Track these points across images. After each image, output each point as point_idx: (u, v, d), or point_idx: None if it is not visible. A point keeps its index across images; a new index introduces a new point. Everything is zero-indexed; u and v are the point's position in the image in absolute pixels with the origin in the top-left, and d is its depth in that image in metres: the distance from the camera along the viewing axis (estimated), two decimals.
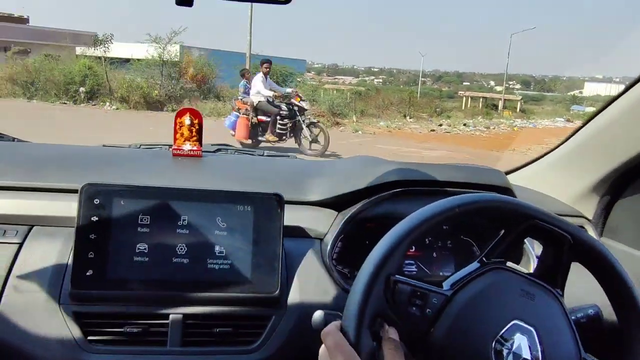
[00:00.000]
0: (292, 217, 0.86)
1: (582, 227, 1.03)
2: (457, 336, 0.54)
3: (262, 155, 1.31)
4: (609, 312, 0.62)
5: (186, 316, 0.75)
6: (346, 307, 0.53)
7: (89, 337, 0.72)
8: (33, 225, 0.80)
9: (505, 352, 0.54)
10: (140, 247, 0.76)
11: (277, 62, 18.10)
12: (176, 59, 14.71)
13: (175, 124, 1.04)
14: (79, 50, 18.32)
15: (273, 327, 0.78)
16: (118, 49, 17.19)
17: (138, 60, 15.10)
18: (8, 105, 11.60)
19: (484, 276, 0.59)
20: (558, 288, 0.60)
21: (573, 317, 0.61)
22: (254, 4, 0.69)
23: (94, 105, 13.91)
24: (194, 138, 1.06)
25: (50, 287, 0.75)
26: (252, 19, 15.45)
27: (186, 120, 1.08)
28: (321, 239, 0.89)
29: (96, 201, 0.75)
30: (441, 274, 0.97)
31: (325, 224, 0.91)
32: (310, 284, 0.83)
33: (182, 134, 1.07)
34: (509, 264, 0.61)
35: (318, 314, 0.62)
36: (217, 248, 0.78)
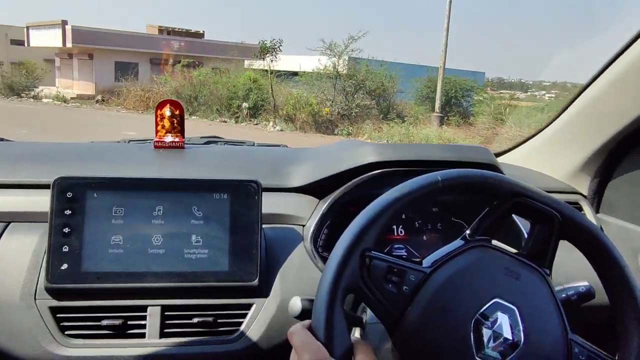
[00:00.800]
0: (273, 204, 0.90)
1: (577, 203, 1.08)
2: (434, 314, 0.55)
3: (252, 145, 1.31)
4: (601, 289, 0.63)
5: (164, 307, 0.79)
6: (318, 286, 0.54)
7: (66, 332, 0.76)
8: (10, 222, 0.84)
9: (484, 330, 0.55)
10: (115, 239, 0.79)
11: (453, 74, 17.02)
12: (345, 71, 13.63)
13: (157, 116, 1.08)
14: (247, 63, 19.04)
15: (254, 316, 0.81)
16: (286, 62, 17.15)
17: (307, 73, 14.65)
18: None
19: (466, 253, 0.60)
20: (545, 267, 0.62)
21: (563, 295, 0.64)
22: None
23: (256, 124, 13.36)
24: (176, 130, 1.10)
25: (26, 282, 0.78)
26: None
27: (167, 111, 1.10)
28: (303, 226, 0.90)
29: (69, 194, 0.79)
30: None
31: (307, 211, 0.93)
32: (292, 271, 0.84)
33: (163, 126, 1.10)
34: (495, 242, 0.63)
35: (294, 300, 0.63)
36: (193, 238, 0.81)
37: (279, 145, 1.36)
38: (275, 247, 0.88)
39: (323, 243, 0.95)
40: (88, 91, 22.48)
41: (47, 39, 23.35)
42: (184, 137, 1.11)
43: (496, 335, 0.55)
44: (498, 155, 1.37)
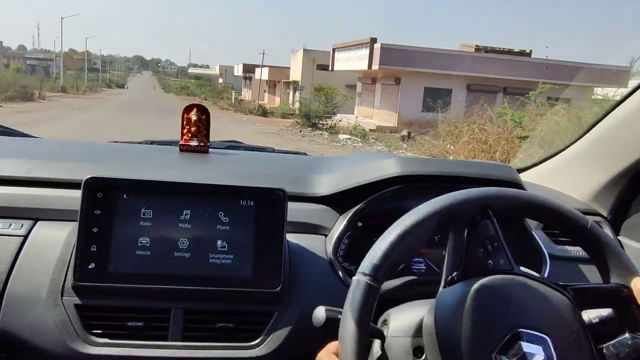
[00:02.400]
0: (296, 213, 0.97)
1: (597, 224, 1.05)
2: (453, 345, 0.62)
3: (272, 152, 1.39)
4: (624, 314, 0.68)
5: (187, 311, 0.88)
6: (344, 314, 0.63)
7: (91, 330, 0.85)
8: (38, 219, 0.94)
9: None
10: (143, 241, 0.87)
11: None
12: None
13: (183, 119, 1.17)
14: (600, 92, 12.41)
15: (275, 324, 0.89)
16: None
17: None
18: None
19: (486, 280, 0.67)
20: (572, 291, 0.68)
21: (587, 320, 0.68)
22: None
23: None
24: (202, 134, 1.18)
25: (53, 279, 0.87)
26: None
27: (193, 116, 1.17)
28: (326, 235, 0.97)
29: (99, 195, 0.87)
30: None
31: (330, 220, 1.00)
32: (314, 280, 0.92)
33: (189, 130, 1.18)
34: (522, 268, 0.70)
35: (319, 310, 0.70)
36: (219, 243, 0.90)
37: (299, 153, 1.43)
38: (298, 256, 0.96)
39: (343, 253, 1.01)
40: (389, 122, 21.06)
41: (351, 62, 23.03)
42: (209, 141, 1.20)
43: None
44: (519, 171, 1.38)
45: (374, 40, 18.85)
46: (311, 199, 1.06)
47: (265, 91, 44.45)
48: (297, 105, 31.36)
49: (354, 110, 22.97)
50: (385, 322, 0.73)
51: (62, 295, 0.85)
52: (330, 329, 0.65)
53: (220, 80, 64.21)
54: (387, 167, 1.04)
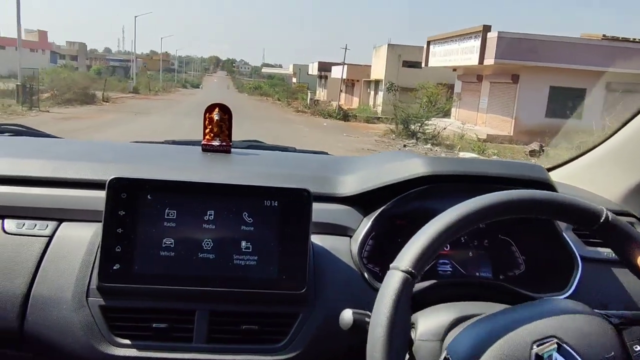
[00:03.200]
0: (320, 213, 1.00)
1: (631, 224, 1.09)
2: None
3: (294, 151, 1.41)
4: None
5: (212, 312, 0.91)
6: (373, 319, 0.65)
7: (115, 332, 0.88)
8: (63, 220, 0.98)
9: None
10: (167, 242, 0.90)
11: None
12: None
13: (205, 119, 1.19)
14: None
15: (300, 326, 0.91)
16: None
17: None
18: None
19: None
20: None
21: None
22: None
23: None
24: (224, 134, 1.20)
25: (78, 280, 0.90)
26: None
27: (215, 116, 1.18)
28: (350, 237, 1.00)
29: (123, 195, 0.90)
30: (477, 274, 1.09)
31: (354, 221, 1.02)
32: (339, 282, 0.94)
33: (211, 130, 1.19)
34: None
35: (346, 313, 0.73)
36: (243, 244, 0.92)
37: (320, 152, 1.45)
38: (323, 257, 0.98)
39: (367, 254, 1.03)
40: (503, 130, 17.31)
41: (453, 56, 19.16)
42: (231, 141, 1.23)
43: None
44: (550, 169, 1.49)
45: (487, 29, 16.10)
46: (335, 199, 1.08)
47: (341, 91, 41.71)
48: (378, 108, 27.95)
49: (452, 114, 19.45)
50: (413, 325, 0.75)
51: (87, 297, 0.89)
52: (357, 332, 0.67)
53: (294, 80, 62.81)
54: (414, 167, 1.06)
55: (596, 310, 0.71)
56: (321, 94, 47.94)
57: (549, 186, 1.05)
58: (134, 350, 0.86)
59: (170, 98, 35.49)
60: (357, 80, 36.49)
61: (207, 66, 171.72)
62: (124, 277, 0.88)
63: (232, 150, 1.26)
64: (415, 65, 27.19)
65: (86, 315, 0.87)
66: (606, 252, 0.95)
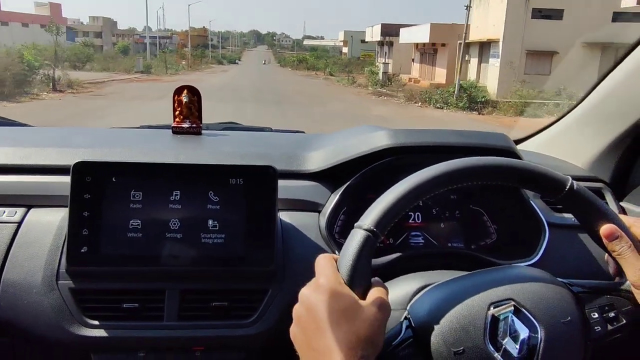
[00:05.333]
0: (288, 190, 1.01)
1: (599, 190, 1.18)
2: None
3: (269, 131, 1.42)
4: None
5: (182, 291, 0.92)
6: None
7: (87, 313, 0.90)
8: (32, 206, 0.99)
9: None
10: (134, 223, 0.91)
11: None
12: None
13: (174, 101, 1.19)
14: None
15: (269, 301, 0.93)
16: None
17: None
18: None
19: None
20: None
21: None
22: None
23: None
24: (194, 115, 1.20)
25: (48, 264, 0.91)
26: None
27: (184, 97, 1.18)
28: (319, 212, 1.01)
29: (88, 178, 0.90)
30: (450, 245, 1.10)
31: (323, 197, 1.02)
32: (308, 257, 0.92)
33: (180, 112, 1.19)
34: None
35: None
36: (210, 222, 0.92)
37: (296, 132, 1.45)
38: (291, 233, 0.98)
39: (339, 229, 1.05)
40: None
41: None
42: (201, 122, 1.23)
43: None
44: (517, 142, 1.49)
45: None
46: (303, 175, 1.09)
47: (412, 60, 31.71)
48: (490, 84, 17.96)
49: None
50: None
51: (57, 280, 0.90)
52: None
53: (344, 50, 53.26)
54: (378, 140, 1.06)
55: (558, 279, 0.71)
56: (381, 65, 38.63)
57: (513, 154, 1.06)
58: (106, 330, 0.87)
59: (190, 79, 24.72)
60: (444, 45, 26.14)
61: (246, 41, 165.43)
62: (92, 259, 0.89)
63: (204, 132, 1.27)
64: (553, 15, 17.78)
65: (57, 299, 0.88)
66: (573, 217, 0.90)
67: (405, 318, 0.67)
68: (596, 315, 0.67)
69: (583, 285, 0.70)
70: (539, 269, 0.75)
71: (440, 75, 26.98)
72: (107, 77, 26.37)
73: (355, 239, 0.64)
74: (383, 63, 27.80)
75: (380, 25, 37.89)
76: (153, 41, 73.51)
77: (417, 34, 29.33)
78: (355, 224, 0.66)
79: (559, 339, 0.63)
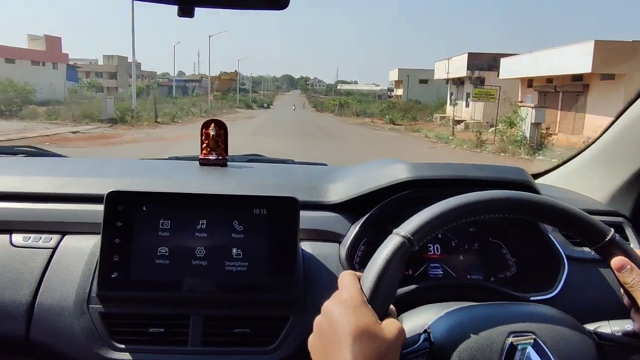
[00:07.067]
0: (310, 220, 1.04)
1: (620, 225, 1.17)
2: None
3: (292, 163, 1.45)
4: None
5: (206, 317, 0.94)
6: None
7: (115, 336, 0.92)
8: (66, 232, 1.03)
9: None
10: (162, 250, 0.93)
11: None
12: None
13: (202, 134, 1.24)
14: None
15: (291, 329, 0.94)
16: None
17: None
18: None
19: None
20: None
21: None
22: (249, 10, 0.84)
23: None
24: (220, 148, 1.24)
25: (80, 288, 0.94)
26: None
27: (211, 131, 1.22)
28: (339, 242, 1.03)
29: (120, 207, 0.94)
30: (469, 277, 1.09)
31: (343, 228, 1.05)
32: (328, 286, 0.95)
33: (207, 145, 1.24)
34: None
35: None
36: (234, 251, 0.95)
37: (319, 164, 1.48)
38: (312, 263, 1.01)
39: (359, 260, 1.05)
40: None
41: None
42: (227, 154, 1.27)
43: None
44: (535, 176, 1.48)
45: None
46: (324, 206, 1.10)
47: (519, 102, 21.42)
48: None
49: None
50: None
51: (88, 304, 0.92)
52: None
53: (398, 92, 43.82)
54: (398, 172, 1.07)
55: (586, 326, 0.71)
56: (461, 111, 28.87)
57: (531, 188, 1.07)
58: (133, 354, 0.89)
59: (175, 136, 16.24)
60: (610, 77, 15.30)
61: (279, 85, 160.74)
62: (121, 284, 0.91)
63: (230, 163, 1.30)
64: None
65: (87, 322, 0.90)
66: (593, 252, 0.88)
67: (425, 331, 0.68)
68: None
69: (609, 338, 0.69)
70: (559, 303, 0.78)
71: (591, 126, 16.70)
72: (26, 129, 16.83)
73: (391, 243, 0.65)
74: (534, 107, 15.13)
75: (465, 55, 27.29)
76: (179, 84, 66.95)
77: (539, 63, 19.09)
78: (394, 230, 0.67)
79: None
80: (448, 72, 30.56)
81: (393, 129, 25.03)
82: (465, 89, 29.29)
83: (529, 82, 22.16)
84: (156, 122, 22.34)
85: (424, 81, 42.75)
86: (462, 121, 24.82)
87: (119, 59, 55.52)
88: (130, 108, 23.10)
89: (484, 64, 26.32)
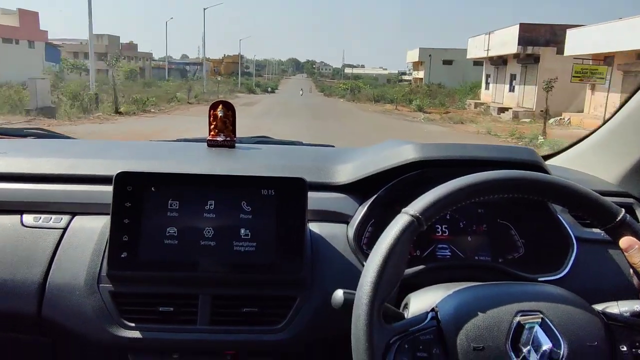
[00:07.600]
0: (318, 201, 1.05)
1: (630, 205, 1.17)
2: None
3: (300, 145, 1.46)
4: None
5: (214, 296, 0.96)
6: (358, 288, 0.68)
7: (125, 315, 0.94)
8: (76, 213, 1.04)
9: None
10: (170, 231, 0.95)
11: None
12: None
13: (210, 116, 1.24)
14: None
15: (298, 308, 0.96)
16: None
17: None
18: None
19: None
20: None
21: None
22: None
23: None
24: (228, 129, 1.24)
25: (90, 268, 0.96)
26: None
27: (219, 112, 1.22)
28: (347, 223, 1.04)
29: (129, 188, 0.95)
30: (477, 258, 1.09)
31: (351, 208, 1.06)
32: (336, 266, 0.98)
33: (215, 126, 1.24)
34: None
35: (337, 293, 0.75)
36: (242, 231, 0.96)
37: (326, 145, 1.47)
38: (320, 243, 1.02)
39: (367, 241, 1.06)
40: None
41: None
42: (235, 136, 1.28)
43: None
44: (546, 158, 1.48)
45: None
46: (332, 187, 1.11)
47: (592, 89, 17.17)
48: None
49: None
50: (406, 306, 0.77)
51: (98, 283, 0.94)
52: (349, 311, 0.69)
53: (419, 74, 39.07)
54: (405, 153, 1.08)
55: (594, 306, 0.72)
56: (503, 96, 24.24)
57: (541, 169, 1.06)
58: (142, 332, 0.91)
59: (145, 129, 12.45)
60: None
61: (285, 69, 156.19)
62: (131, 264, 0.93)
63: (237, 145, 1.31)
64: None
65: (98, 301, 0.92)
66: (602, 232, 0.88)
67: (433, 310, 0.69)
68: (625, 348, 0.66)
69: (617, 318, 0.70)
70: (568, 284, 0.78)
71: None
72: None
73: (400, 221, 0.66)
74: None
75: (516, 26, 21.21)
76: (177, 67, 62.46)
77: (624, 35, 14.12)
78: (403, 209, 0.68)
79: (582, 359, 0.64)
80: (488, 49, 25.01)
81: (428, 120, 19.62)
82: (509, 70, 24.36)
83: (605, 60, 17.94)
84: (117, 112, 16.55)
85: (447, 62, 37.30)
86: (506, 109, 20.60)
87: (110, 39, 50.36)
88: (78, 92, 16.88)
89: (539, 38, 20.74)
